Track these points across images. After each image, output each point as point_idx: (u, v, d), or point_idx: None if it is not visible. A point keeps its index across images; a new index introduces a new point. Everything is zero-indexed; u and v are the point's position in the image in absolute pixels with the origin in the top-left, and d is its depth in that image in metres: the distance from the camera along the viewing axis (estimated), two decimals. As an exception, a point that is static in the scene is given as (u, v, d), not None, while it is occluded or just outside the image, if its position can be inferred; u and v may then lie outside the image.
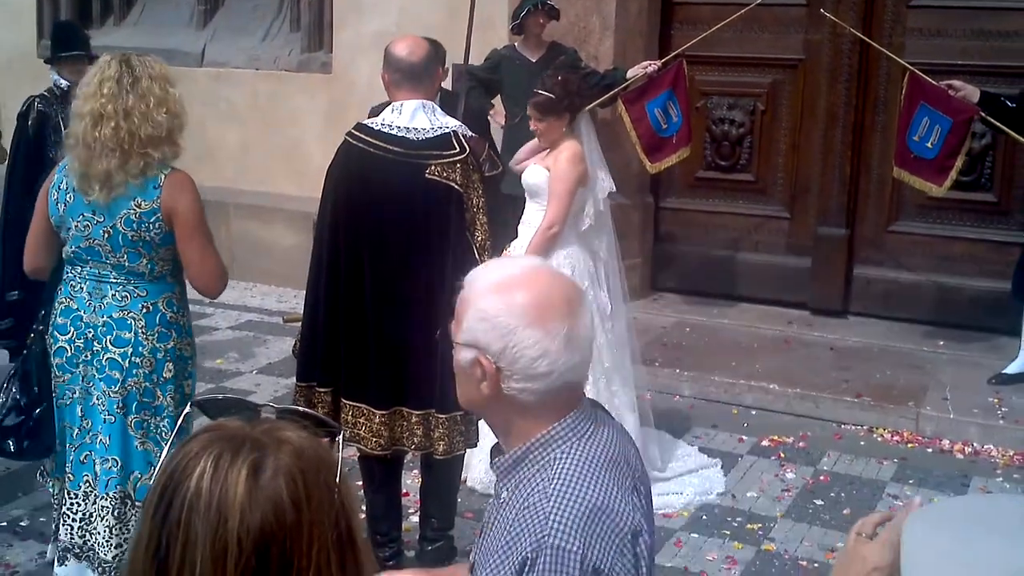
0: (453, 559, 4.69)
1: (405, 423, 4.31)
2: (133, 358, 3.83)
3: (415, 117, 4.23)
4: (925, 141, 6.48)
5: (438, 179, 4.18)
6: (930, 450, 6.17)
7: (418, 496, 4.83)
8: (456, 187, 4.19)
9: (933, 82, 6.45)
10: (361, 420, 4.29)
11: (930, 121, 6.44)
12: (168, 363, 3.89)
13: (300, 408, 1.43)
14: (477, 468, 5.51)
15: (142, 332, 3.84)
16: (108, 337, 3.83)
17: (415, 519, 4.86)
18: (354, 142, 4.26)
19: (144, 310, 3.85)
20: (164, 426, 3.86)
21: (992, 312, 7.31)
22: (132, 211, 3.75)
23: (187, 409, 1.52)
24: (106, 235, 3.78)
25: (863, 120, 7.76)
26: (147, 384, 3.85)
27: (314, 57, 9.24)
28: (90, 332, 3.85)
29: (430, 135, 4.22)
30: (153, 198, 3.76)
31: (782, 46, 7.92)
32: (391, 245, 4.23)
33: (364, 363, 4.28)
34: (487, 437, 5.48)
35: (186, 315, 4.02)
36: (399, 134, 4.21)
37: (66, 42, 6.37)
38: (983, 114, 6.34)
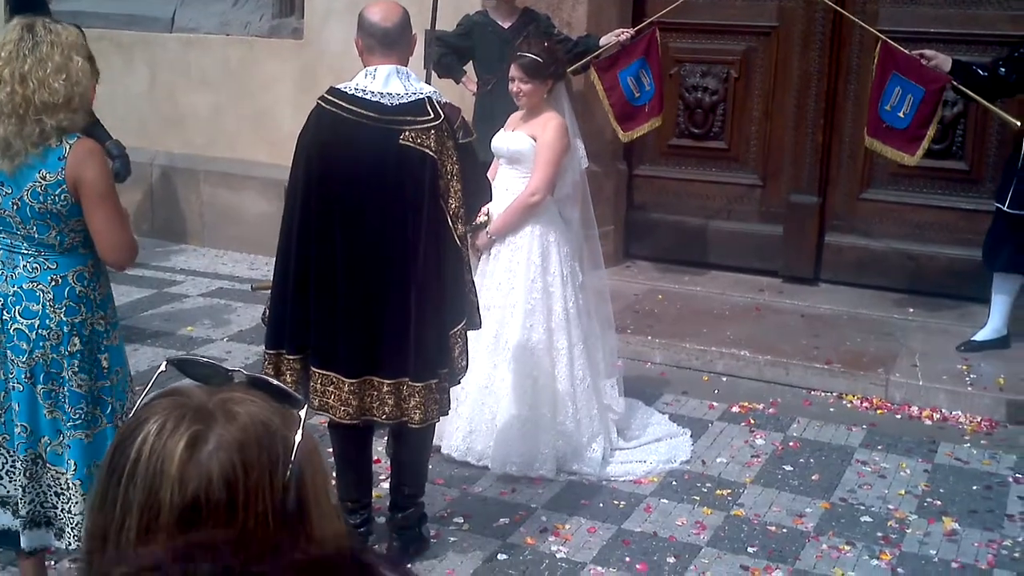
0: (423, 525, 4.71)
1: (375, 392, 4.30)
2: (40, 330, 3.79)
3: (389, 82, 4.20)
4: (897, 111, 6.50)
5: (412, 145, 4.15)
6: (899, 416, 6.22)
7: (389, 463, 4.85)
8: (430, 153, 4.16)
9: (905, 51, 6.46)
10: (330, 389, 4.27)
11: (902, 90, 6.45)
12: (74, 337, 3.83)
13: (269, 379, 1.41)
14: (454, 436, 5.53)
15: (50, 305, 3.79)
16: (17, 308, 3.80)
17: (386, 486, 4.87)
18: (327, 107, 4.23)
19: (53, 283, 3.80)
20: (67, 397, 3.83)
21: (962, 280, 7.36)
22: (38, 183, 3.68)
23: (161, 367, 1.50)
24: (15, 207, 3.72)
25: (836, 88, 7.77)
26: (54, 356, 3.81)
27: (285, 23, 9.17)
28: (1, 301, 3.82)
29: (404, 101, 4.19)
30: (57, 169, 3.68)
31: (755, 13, 7.91)
32: (364, 212, 4.21)
33: (334, 331, 4.26)
34: (465, 403, 5.53)
35: (100, 289, 3.94)
36: (373, 99, 4.18)
37: (25, 6, 6.29)
38: (955, 83, 6.36)
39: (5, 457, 3.95)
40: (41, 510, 3.91)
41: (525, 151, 5.45)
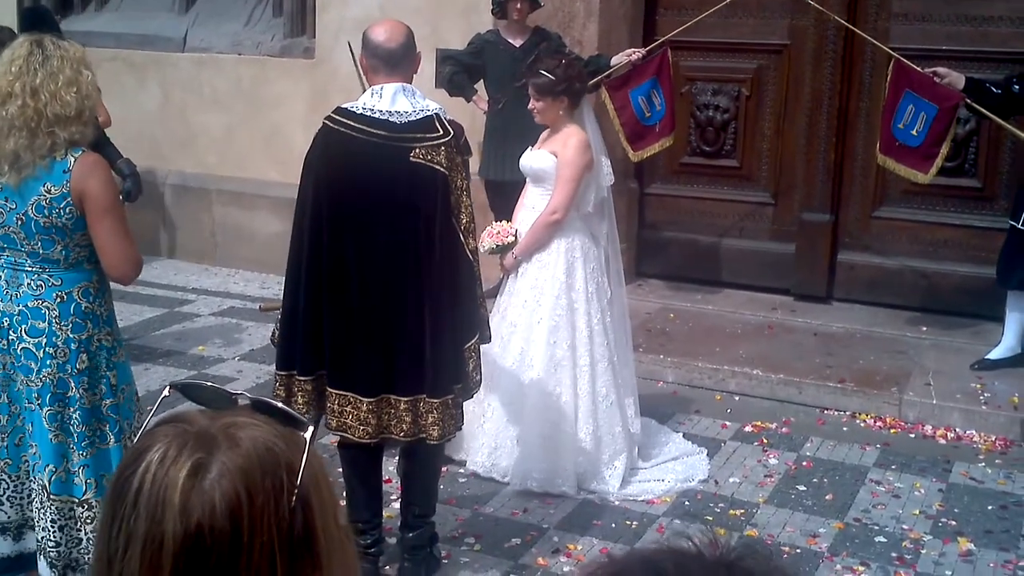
0: (434, 546, 4.68)
1: (393, 411, 4.28)
2: (47, 348, 3.76)
3: (396, 100, 4.20)
4: (910, 128, 6.47)
5: (423, 162, 4.15)
6: (913, 436, 6.18)
7: (399, 483, 4.82)
8: (441, 170, 4.16)
9: (918, 69, 6.44)
10: (348, 409, 4.25)
11: (915, 108, 6.43)
12: (82, 354, 3.80)
13: (273, 402, 1.40)
14: (479, 452, 5.53)
15: (56, 322, 3.76)
16: (23, 326, 3.76)
17: (397, 506, 4.85)
18: (334, 126, 4.22)
19: (58, 299, 3.77)
20: (76, 418, 3.80)
21: (976, 298, 7.33)
22: (43, 197, 3.66)
23: (165, 392, 1.49)
24: (19, 222, 3.70)
25: (848, 106, 7.75)
26: (60, 375, 3.78)
27: (297, 42, 9.20)
28: (6, 321, 3.79)
29: (413, 118, 4.19)
30: (62, 183, 3.67)
31: (767, 31, 7.91)
32: (376, 229, 4.20)
33: (350, 351, 4.24)
34: (490, 419, 5.52)
35: (106, 305, 3.92)
36: (382, 117, 4.17)
37: (35, 24, 6.32)
38: (968, 101, 6.33)
39: (6, 484, 3.92)
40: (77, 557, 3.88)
41: (548, 169, 5.46)
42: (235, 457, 1.25)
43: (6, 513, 3.95)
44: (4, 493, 3.94)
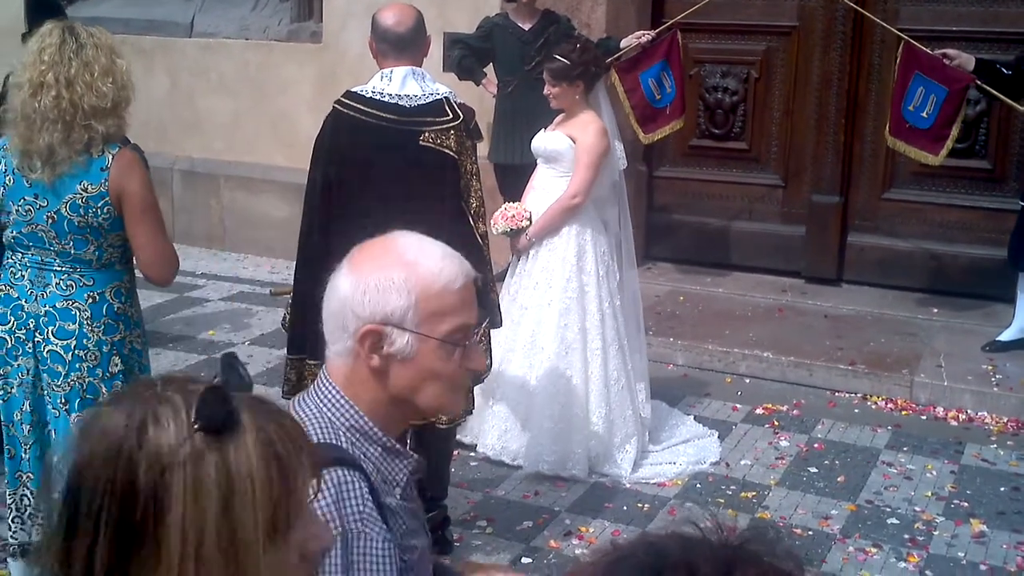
0: (447, 528, 4.69)
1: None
2: (77, 351, 3.58)
3: (406, 84, 4.19)
4: (920, 111, 6.45)
5: (432, 146, 4.14)
6: (924, 417, 6.17)
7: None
8: (451, 153, 4.16)
9: (928, 51, 6.41)
10: (357, 392, 4.25)
11: (925, 90, 6.40)
12: (115, 357, 3.64)
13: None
14: (489, 435, 5.53)
15: (87, 324, 3.59)
16: (50, 328, 3.59)
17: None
18: (344, 110, 4.22)
19: (90, 300, 3.60)
20: None
21: (986, 279, 7.30)
22: (79, 195, 3.49)
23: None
24: (50, 220, 3.53)
25: (857, 87, 7.72)
26: (91, 379, 3.61)
27: (304, 26, 9.18)
28: (32, 323, 3.61)
29: (423, 102, 4.18)
30: (100, 180, 3.50)
31: (776, 13, 7.88)
32: (385, 214, 4.18)
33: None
34: (500, 402, 5.52)
35: (135, 305, 3.75)
36: (391, 101, 4.17)
37: (42, 13, 6.28)
38: (979, 82, 6.31)
39: (28, 500, 3.74)
40: None
41: (563, 151, 5.45)
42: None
43: (26, 533, 3.74)
44: (26, 511, 3.74)
